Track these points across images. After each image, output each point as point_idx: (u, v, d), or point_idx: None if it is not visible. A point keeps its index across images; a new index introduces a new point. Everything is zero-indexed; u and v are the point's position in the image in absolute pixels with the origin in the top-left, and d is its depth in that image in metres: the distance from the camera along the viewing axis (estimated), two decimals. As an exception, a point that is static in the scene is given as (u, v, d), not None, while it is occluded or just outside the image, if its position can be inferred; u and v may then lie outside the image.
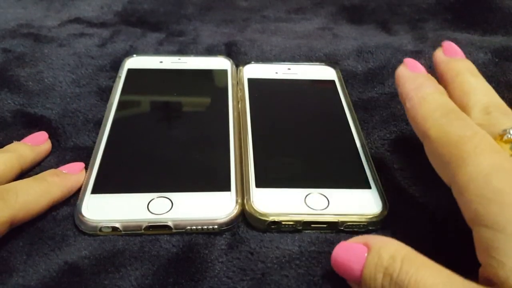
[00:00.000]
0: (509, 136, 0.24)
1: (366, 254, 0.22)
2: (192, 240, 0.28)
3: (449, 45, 0.31)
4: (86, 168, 0.31)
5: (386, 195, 0.30)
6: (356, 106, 0.38)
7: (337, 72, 0.42)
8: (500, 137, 0.24)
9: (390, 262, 0.21)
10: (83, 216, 0.28)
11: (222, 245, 0.27)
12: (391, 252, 0.22)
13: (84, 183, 0.30)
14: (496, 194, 0.20)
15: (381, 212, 0.29)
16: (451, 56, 0.31)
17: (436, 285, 0.20)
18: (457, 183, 0.22)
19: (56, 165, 0.32)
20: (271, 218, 0.28)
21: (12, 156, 0.30)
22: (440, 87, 0.28)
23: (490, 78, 0.41)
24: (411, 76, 0.28)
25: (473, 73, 0.29)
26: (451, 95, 0.28)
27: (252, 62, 0.43)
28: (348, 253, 0.23)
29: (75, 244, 0.27)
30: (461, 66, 0.30)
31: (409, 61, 0.29)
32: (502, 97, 0.39)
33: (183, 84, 0.41)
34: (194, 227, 0.28)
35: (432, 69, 0.43)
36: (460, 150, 0.23)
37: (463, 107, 0.27)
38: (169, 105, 0.39)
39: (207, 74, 0.42)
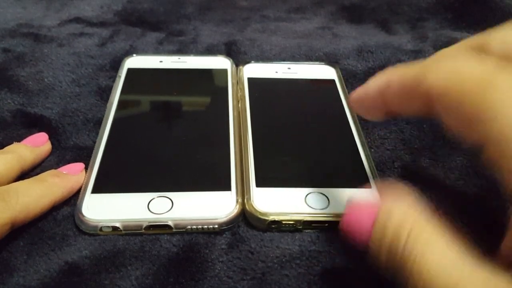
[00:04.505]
0: None
1: (373, 221, 0.20)
2: (193, 239, 0.28)
3: None
4: (86, 168, 0.31)
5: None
6: (356, 106, 0.38)
7: (337, 72, 0.42)
8: None
9: (394, 238, 0.19)
10: (83, 215, 0.28)
11: (222, 244, 0.27)
12: (398, 222, 0.19)
13: (84, 183, 0.30)
14: None
15: (381, 211, 0.29)
16: None
17: (441, 273, 0.17)
18: (492, 145, 0.17)
19: (57, 164, 0.32)
20: (271, 218, 0.28)
21: (12, 157, 0.30)
22: None
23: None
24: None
25: None
26: None
27: (252, 62, 0.43)
28: (355, 225, 0.21)
29: (75, 244, 0.27)
30: None
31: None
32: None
33: (183, 84, 0.41)
34: (195, 227, 0.28)
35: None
36: (485, 100, 0.17)
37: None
38: (169, 105, 0.39)
39: (207, 73, 0.42)
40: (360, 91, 0.25)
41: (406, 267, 0.19)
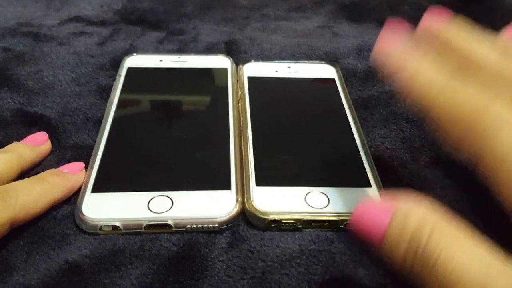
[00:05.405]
0: None
1: (389, 218, 0.20)
2: (193, 238, 0.28)
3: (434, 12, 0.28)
4: (86, 167, 0.31)
5: (386, 193, 0.30)
6: (356, 105, 0.38)
7: (337, 71, 0.42)
8: None
9: (416, 231, 0.19)
10: (83, 215, 0.28)
11: (222, 243, 0.27)
12: (419, 218, 0.19)
13: (84, 182, 0.30)
14: None
15: (381, 210, 0.29)
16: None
17: (470, 267, 0.17)
18: (485, 165, 0.19)
19: (56, 164, 0.32)
20: (271, 217, 0.28)
21: (12, 156, 0.30)
22: (424, 57, 0.24)
23: (490, 76, 0.41)
24: (391, 52, 0.25)
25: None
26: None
27: (252, 61, 0.43)
28: (370, 214, 0.20)
29: (75, 243, 0.27)
30: (451, 32, 0.26)
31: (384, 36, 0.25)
32: (502, 95, 0.39)
33: (183, 83, 0.41)
34: (195, 226, 0.28)
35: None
36: (476, 128, 0.20)
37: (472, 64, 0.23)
38: (169, 104, 0.39)
39: (207, 72, 0.42)
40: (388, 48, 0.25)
41: (429, 263, 0.18)
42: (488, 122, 0.20)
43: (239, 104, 0.38)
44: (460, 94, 0.21)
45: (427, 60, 0.24)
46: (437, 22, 0.27)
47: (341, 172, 0.32)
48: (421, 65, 0.23)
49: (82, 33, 0.49)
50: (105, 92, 0.39)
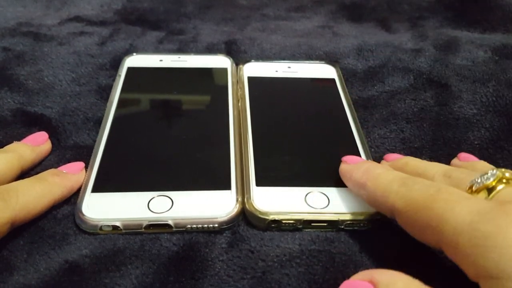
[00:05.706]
0: (477, 185, 0.24)
1: None
2: (193, 238, 0.28)
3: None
4: (86, 167, 0.31)
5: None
6: (356, 105, 0.38)
7: (337, 71, 0.42)
8: (469, 190, 0.24)
9: None
10: (83, 214, 0.28)
11: (222, 243, 0.27)
12: (403, 284, 0.21)
13: (84, 182, 0.30)
14: (488, 240, 0.19)
15: (381, 210, 0.29)
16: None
17: None
18: (446, 243, 0.21)
19: (57, 163, 0.32)
20: (271, 217, 0.28)
21: (13, 156, 0.30)
22: (386, 165, 0.30)
23: (490, 76, 0.41)
24: (354, 166, 0.29)
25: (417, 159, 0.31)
26: None
27: (252, 61, 0.43)
28: None
29: (75, 243, 0.27)
30: (407, 159, 0.31)
31: (347, 157, 0.30)
32: (502, 95, 0.39)
33: (183, 83, 0.41)
34: (195, 226, 0.28)
35: (432, 67, 0.43)
36: (433, 210, 0.22)
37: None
38: (169, 104, 0.39)
39: (207, 72, 0.42)
40: (349, 168, 0.29)
41: None
42: (440, 205, 0.22)
43: (239, 104, 0.38)
44: (415, 186, 0.24)
45: (386, 168, 0.28)
46: (396, 157, 0.33)
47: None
48: (381, 173, 0.27)
49: (82, 33, 0.49)
50: (105, 92, 0.39)
